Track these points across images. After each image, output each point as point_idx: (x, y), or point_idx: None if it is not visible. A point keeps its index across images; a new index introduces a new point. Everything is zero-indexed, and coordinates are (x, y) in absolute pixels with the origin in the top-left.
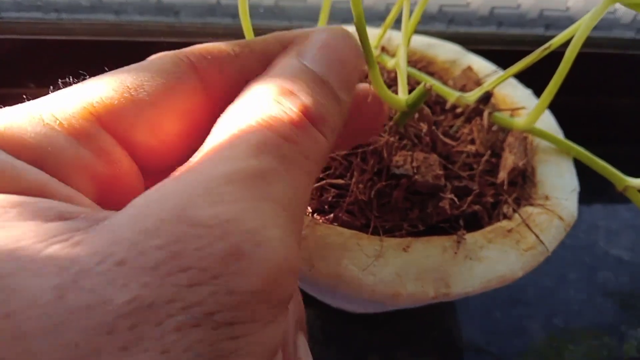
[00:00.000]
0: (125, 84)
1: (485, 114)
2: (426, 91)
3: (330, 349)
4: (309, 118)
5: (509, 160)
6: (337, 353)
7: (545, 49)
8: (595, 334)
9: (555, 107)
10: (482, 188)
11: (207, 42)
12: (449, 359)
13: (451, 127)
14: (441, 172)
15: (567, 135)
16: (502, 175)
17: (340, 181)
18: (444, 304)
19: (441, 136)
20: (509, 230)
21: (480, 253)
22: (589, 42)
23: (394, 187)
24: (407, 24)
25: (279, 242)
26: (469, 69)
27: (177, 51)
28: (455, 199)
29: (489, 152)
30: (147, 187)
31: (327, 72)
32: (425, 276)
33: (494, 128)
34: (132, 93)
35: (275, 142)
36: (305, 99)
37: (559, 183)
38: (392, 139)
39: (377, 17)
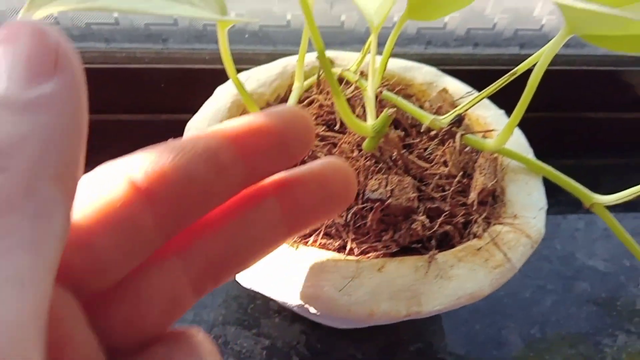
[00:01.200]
0: None
1: (458, 136)
2: (389, 117)
3: None
4: None
5: (479, 181)
6: None
7: (513, 73)
8: (571, 344)
9: (529, 122)
10: (453, 209)
11: (196, 68)
12: None
13: (426, 149)
14: (414, 195)
15: (541, 149)
16: (473, 196)
17: None
18: (424, 318)
19: (414, 159)
20: (479, 249)
21: (450, 272)
22: (561, 60)
23: (369, 210)
24: (374, 55)
25: None
26: (444, 90)
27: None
28: (427, 221)
29: (461, 173)
30: None
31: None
32: (398, 295)
33: (467, 149)
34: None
35: None
36: None
37: (527, 202)
38: (368, 162)
39: (358, 41)
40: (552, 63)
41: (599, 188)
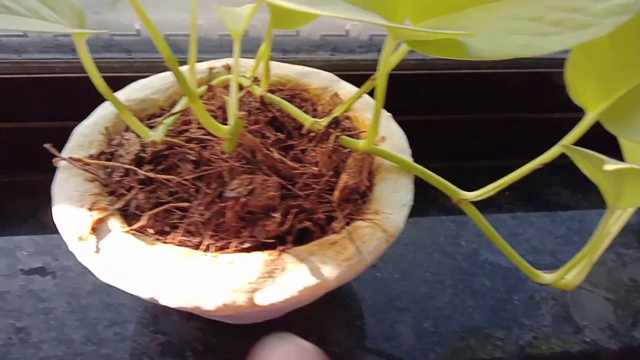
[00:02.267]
0: None
1: (332, 137)
2: (241, 120)
3: (207, 358)
4: None
5: (343, 179)
6: None
7: (373, 79)
8: (461, 337)
9: (418, 125)
10: (315, 206)
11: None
12: None
13: (304, 150)
14: (276, 193)
15: (430, 150)
16: (336, 193)
17: (184, 204)
18: (321, 311)
19: (285, 159)
20: (333, 243)
21: (299, 265)
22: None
23: (229, 209)
24: (237, 59)
25: None
26: (335, 95)
27: None
28: (286, 217)
29: (331, 172)
30: None
31: None
32: (242, 288)
33: (347, 151)
34: None
35: None
36: None
37: (392, 199)
38: (236, 164)
39: (311, 48)
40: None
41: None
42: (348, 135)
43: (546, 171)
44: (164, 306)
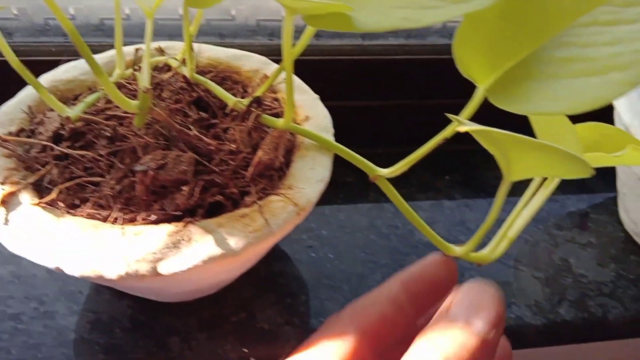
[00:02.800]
0: None
1: (252, 115)
2: (146, 95)
3: (135, 335)
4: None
5: (258, 155)
6: (141, 338)
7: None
8: None
9: (353, 110)
10: (228, 181)
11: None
12: (246, 341)
13: (226, 129)
14: (188, 168)
15: (363, 136)
16: (250, 169)
17: (96, 179)
18: (252, 290)
19: (201, 136)
20: (243, 216)
21: (206, 236)
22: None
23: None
24: (150, 39)
25: None
26: (265, 77)
27: (351, 319)
28: (196, 191)
29: (249, 150)
30: None
31: (472, 319)
32: (146, 258)
33: (271, 130)
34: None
35: None
36: (451, 351)
37: (307, 175)
38: (152, 140)
39: (248, 33)
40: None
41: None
42: (272, 115)
43: (487, 156)
44: (97, 285)
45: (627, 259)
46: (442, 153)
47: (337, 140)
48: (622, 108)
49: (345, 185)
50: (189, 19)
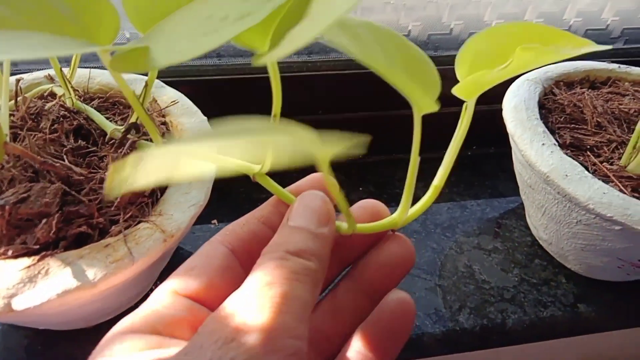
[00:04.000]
0: (194, 269)
1: (128, 143)
2: None
3: None
4: (296, 254)
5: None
6: None
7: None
8: None
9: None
10: (94, 211)
11: None
12: None
13: (103, 157)
14: (53, 200)
15: None
16: (119, 198)
17: None
18: None
19: (70, 166)
20: (106, 246)
21: (64, 269)
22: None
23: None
24: (7, 74)
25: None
26: (154, 100)
27: (221, 239)
28: (61, 223)
29: None
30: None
31: (306, 222)
32: (0, 294)
33: None
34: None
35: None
36: (292, 246)
37: (181, 200)
38: (18, 173)
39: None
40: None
41: None
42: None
43: (400, 167)
44: None
45: (531, 264)
46: (355, 165)
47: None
48: (507, 116)
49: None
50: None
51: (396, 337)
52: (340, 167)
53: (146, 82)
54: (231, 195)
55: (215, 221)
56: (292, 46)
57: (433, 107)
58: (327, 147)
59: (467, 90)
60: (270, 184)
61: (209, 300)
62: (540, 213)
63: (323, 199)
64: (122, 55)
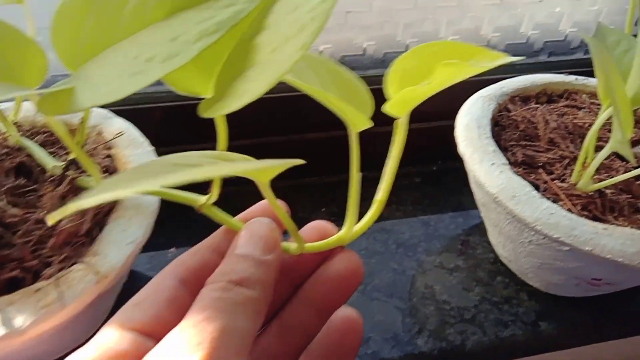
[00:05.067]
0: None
1: (67, 180)
2: None
3: None
4: (239, 283)
5: (61, 224)
6: None
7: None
8: None
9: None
10: (27, 254)
11: None
12: None
13: (41, 195)
14: None
15: None
16: (52, 239)
17: None
18: None
19: (4, 208)
20: (37, 290)
21: None
22: None
23: None
24: None
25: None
26: (99, 133)
27: (171, 270)
28: None
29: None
30: None
31: (251, 249)
32: None
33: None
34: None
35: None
36: (235, 275)
37: (118, 238)
38: None
39: None
40: None
41: None
42: (103, 173)
43: (362, 186)
44: None
45: (493, 281)
46: (319, 186)
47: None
48: (458, 135)
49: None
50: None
51: (344, 355)
52: (303, 188)
53: (81, 119)
54: (192, 222)
55: (173, 249)
56: (243, 101)
57: (366, 124)
58: (266, 172)
59: (397, 107)
60: (218, 215)
61: (156, 334)
62: (497, 231)
63: (269, 226)
64: (48, 97)
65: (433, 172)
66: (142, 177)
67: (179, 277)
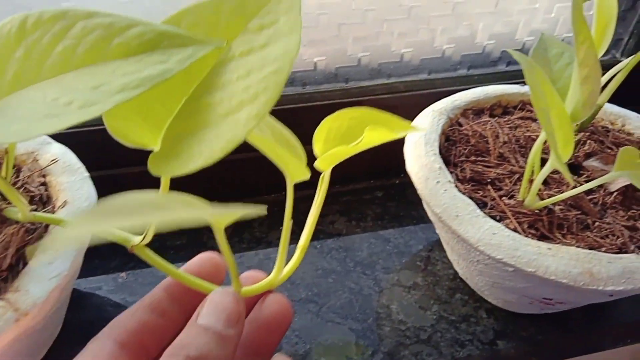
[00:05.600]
0: None
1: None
2: None
3: None
4: None
5: None
6: None
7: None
8: None
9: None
10: None
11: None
12: None
13: None
14: None
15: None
16: None
17: None
18: None
19: None
20: None
21: None
22: None
23: None
24: None
25: None
26: (35, 160)
27: (109, 333)
28: None
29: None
30: None
31: (214, 321)
32: None
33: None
34: None
35: None
36: (194, 351)
37: (42, 272)
38: None
39: None
40: None
41: None
42: (37, 201)
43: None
44: None
45: (452, 299)
46: (279, 204)
47: None
48: (406, 152)
49: (176, 248)
50: None
51: None
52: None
53: (6, 150)
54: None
55: (124, 274)
56: (198, 164)
57: (305, 175)
58: (222, 216)
59: (326, 162)
60: (150, 257)
61: None
62: (449, 249)
63: (235, 297)
64: None
65: (395, 185)
66: (88, 221)
67: (118, 341)
